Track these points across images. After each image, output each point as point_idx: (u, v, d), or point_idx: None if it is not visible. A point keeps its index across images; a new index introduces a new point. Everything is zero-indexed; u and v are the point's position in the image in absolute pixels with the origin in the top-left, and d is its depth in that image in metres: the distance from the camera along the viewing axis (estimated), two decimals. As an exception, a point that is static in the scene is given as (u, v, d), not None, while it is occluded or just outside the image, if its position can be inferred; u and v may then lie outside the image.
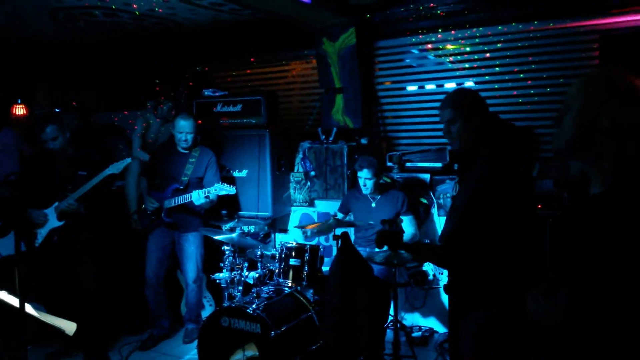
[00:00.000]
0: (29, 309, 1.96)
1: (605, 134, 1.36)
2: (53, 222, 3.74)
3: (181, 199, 3.97)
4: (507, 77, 4.37)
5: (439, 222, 4.28)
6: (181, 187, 4.06)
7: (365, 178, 3.90)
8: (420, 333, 4.18)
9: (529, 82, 4.30)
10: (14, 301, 1.97)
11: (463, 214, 2.18)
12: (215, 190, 3.83)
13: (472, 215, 2.14)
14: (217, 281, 3.89)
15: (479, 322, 2.20)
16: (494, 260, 2.10)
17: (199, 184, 4.12)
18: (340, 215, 4.17)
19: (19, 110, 5.25)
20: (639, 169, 1.34)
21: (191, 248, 4.15)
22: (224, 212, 4.18)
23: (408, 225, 3.95)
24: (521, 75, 4.32)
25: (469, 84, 4.57)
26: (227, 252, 3.88)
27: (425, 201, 4.32)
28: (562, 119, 1.46)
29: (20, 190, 3.82)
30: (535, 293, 1.46)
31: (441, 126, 4.82)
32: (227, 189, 3.83)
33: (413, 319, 4.42)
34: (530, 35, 4.25)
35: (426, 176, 4.34)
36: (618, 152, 1.36)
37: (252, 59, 5.61)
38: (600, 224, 1.34)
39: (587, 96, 1.41)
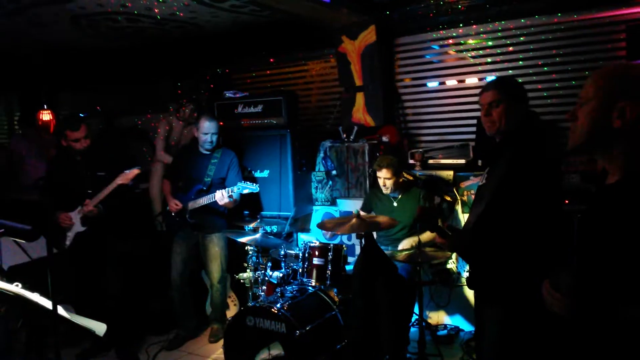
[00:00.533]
0: (60, 310, 2.01)
1: (617, 130, 1.39)
2: (77, 227, 3.80)
3: (204, 200, 4.00)
4: (530, 71, 4.29)
5: (463, 219, 4.23)
6: (204, 188, 4.09)
7: (384, 178, 3.85)
8: (445, 331, 4.14)
9: (554, 75, 4.21)
10: (47, 303, 2.01)
11: (485, 211, 2.17)
12: (238, 188, 3.84)
13: (493, 213, 2.13)
14: (242, 281, 3.92)
15: (500, 317, 2.19)
16: (512, 257, 2.09)
17: (221, 184, 4.15)
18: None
19: (45, 115, 5.36)
20: None
21: (215, 249, 4.18)
22: (246, 212, 4.20)
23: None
24: (545, 69, 4.24)
25: (491, 78, 4.50)
26: (250, 252, 3.90)
27: (448, 198, 4.27)
28: (577, 115, 1.48)
29: (48, 195, 3.88)
30: (547, 282, 1.49)
31: (464, 122, 4.81)
32: (250, 187, 3.84)
33: (438, 317, 4.38)
34: (554, 27, 4.17)
35: (449, 173, 4.29)
36: (631, 147, 1.39)
37: (271, 60, 5.63)
38: (608, 213, 1.40)
39: (600, 92, 1.42)
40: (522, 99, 2.28)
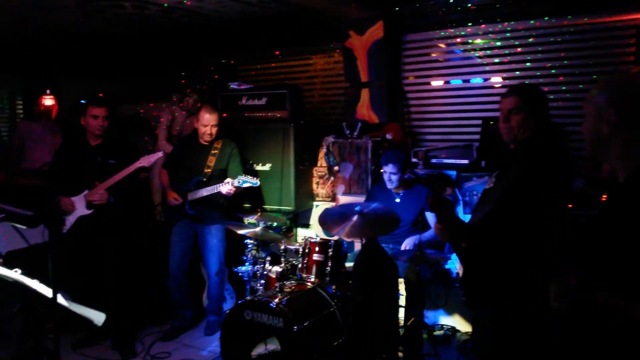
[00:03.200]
0: (60, 299, 1.98)
1: (608, 137, 1.53)
2: (81, 210, 3.77)
3: (205, 191, 3.98)
4: (538, 73, 4.26)
5: (465, 219, 4.20)
6: (204, 179, 4.07)
7: (390, 172, 3.87)
8: (442, 332, 4.13)
9: (561, 78, 4.18)
10: (47, 291, 1.99)
11: (490, 214, 2.15)
12: (239, 182, 3.83)
13: (499, 217, 2.11)
14: (240, 274, 3.90)
15: (493, 320, 2.19)
16: (512, 262, 2.08)
17: (222, 176, 4.12)
18: None
19: (48, 101, 5.31)
20: None
21: (214, 241, 4.16)
22: (246, 205, 4.17)
23: (431, 222, 3.90)
24: (553, 71, 4.22)
25: (497, 79, 4.48)
26: (249, 246, 3.88)
27: (450, 198, 4.25)
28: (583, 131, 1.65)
29: (52, 180, 3.85)
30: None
31: (468, 122, 4.78)
32: (250, 182, 3.83)
33: (435, 317, 4.37)
34: (563, 29, 4.14)
35: (452, 173, 4.28)
36: (626, 146, 1.51)
37: (277, 52, 5.59)
38: (614, 213, 1.49)
39: (593, 102, 1.58)
40: (543, 109, 2.27)
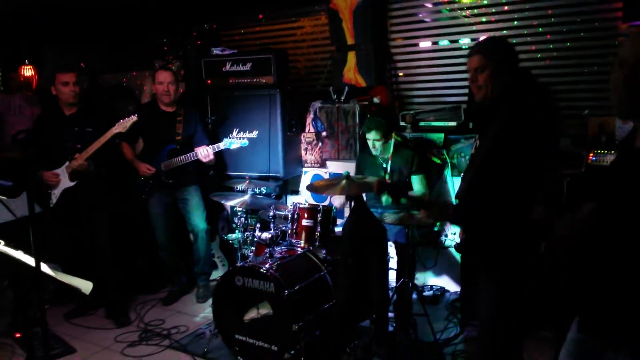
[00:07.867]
0: (45, 268, 1.97)
1: None
2: (65, 183, 3.73)
3: (182, 159, 3.93)
4: (525, 32, 4.20)
5: (452, 182, 4.23)
6: (177, 147, 4.02)
7: (373, 139, 3.82)
8: (431, 292, 4.21)
9: (548, 36, 4.13)
10: (31, 261, 1.98)
11: (478, 172, 2.15)
12: (225, 144, 3.80)
13: (487, 174, 2.11)
14: (230, 242, 3.91)
15: (499, 276, 2.20)
16: (504, 220, 2.08)
17: (189, 142, 4.07)
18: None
19: (27, 71, 5.19)
20: None
21: (195, 199, 4.16)
22: (211, 173, 4.16)
23: (418, 184, 3.90)
24: (540, 30, 4.16)
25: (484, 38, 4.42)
26: (239, 213, 3.88)
27: (438, 161, 4.25)
28: (614, 78, 1.41)
29: (30, 148, 3.79)
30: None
31: (456, 84, 4.74)
32: (238, 142, 3.81)
33: (424, 278, 4.44)
34: (551, -14, 4.07)
35: (440, 135, 4.26)
36: None
37: (260, 16, 5.45)
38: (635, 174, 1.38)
39: (635, 54, 1.34)
40: (510, 61, 2.21)
